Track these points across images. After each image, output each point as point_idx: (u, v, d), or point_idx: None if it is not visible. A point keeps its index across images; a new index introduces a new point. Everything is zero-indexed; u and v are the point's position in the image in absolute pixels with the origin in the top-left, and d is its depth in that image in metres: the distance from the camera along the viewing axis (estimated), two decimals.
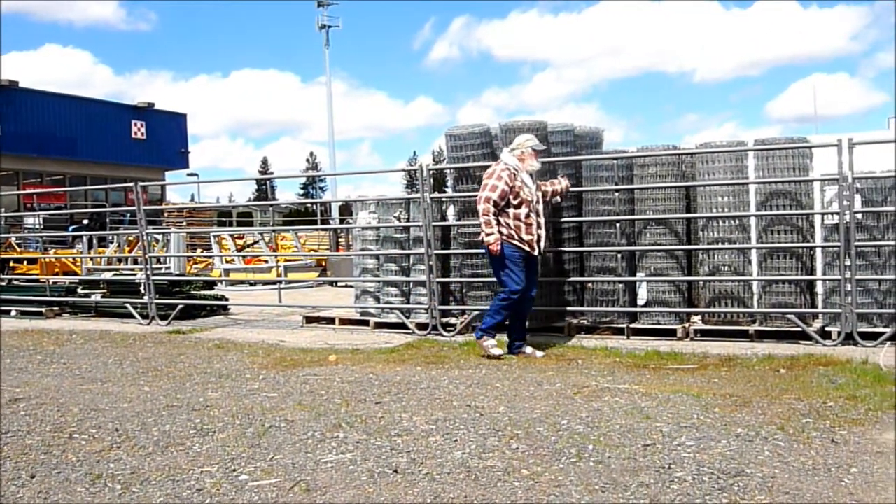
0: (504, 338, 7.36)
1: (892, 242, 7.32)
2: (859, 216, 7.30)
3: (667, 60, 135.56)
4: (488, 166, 8.55)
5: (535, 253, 7.17)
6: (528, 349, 7.26)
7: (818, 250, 7.76)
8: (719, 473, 3.72)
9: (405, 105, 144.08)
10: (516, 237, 7.04)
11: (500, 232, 7.00)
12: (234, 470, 4.04)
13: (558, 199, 8.03)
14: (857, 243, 7.18)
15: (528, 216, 7.09)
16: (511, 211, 7.06)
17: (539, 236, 7.19)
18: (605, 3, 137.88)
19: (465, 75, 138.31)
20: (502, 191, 7.00)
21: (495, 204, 6.99)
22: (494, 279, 7.45)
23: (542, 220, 7.27)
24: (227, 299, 12.10)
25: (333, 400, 5.56)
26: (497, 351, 7.12)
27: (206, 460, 4.22)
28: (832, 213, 7.41)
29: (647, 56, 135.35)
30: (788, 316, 7.51)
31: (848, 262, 7.18)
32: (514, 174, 7.06)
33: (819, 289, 7.82)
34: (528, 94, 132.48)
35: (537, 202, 7.24)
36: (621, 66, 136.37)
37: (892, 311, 7.28)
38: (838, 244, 7.24)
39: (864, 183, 7.37)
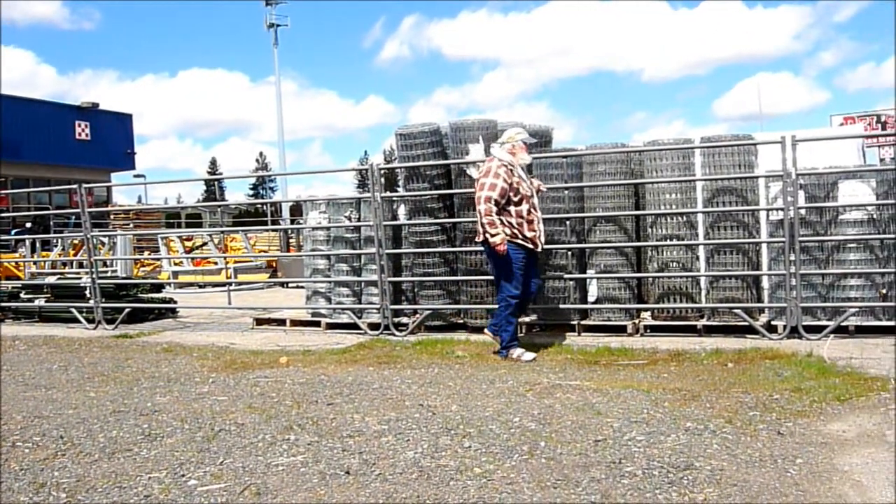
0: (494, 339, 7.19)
1: (835, 237, 7.48)
2: (803, 212, 7.45)
3: (615, 60, 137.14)
4: (438, 165, 8.58)
5: (538, 249, 7.04)
6: (517, 352, 7.02)
7: (764, 246, 7.89)
8: (669, 467, 3.76)
9: (356, 104, 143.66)
10: (520, 235, 6.86)
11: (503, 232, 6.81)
12: (183, 475, 3.97)
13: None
14: (800, 239, 7.32)
15: (529, 212, 6.92)
16: (512, 209, 6.86)
17: (540, 231, 7.03)
18: (555, 3, 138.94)
19: (416, 74, 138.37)
20: (502, 189, 6.78)
21: (496, 203, 6.77)
22: (493, 278, 7.30)
23: (539, 214, 7.08)
24: (175, 302, 11.93)
25: (284, 402, 5.50)
26: (530, 355, 6.85)
27: (154, 466, 4.14)
28: (777, 209, 7.54)
29: (596, 55, 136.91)
30: (735, 311, 7.63)
31: (792, 258, 7.31)
32: (511, 170, 6.88)
33: (765, 283, 7.95)
34: (479, 93, 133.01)
35: (533, 196, 7.06)
36: (571, 66, 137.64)
37: (835, 304, 7.43)
38: (783, 240, 7.37)
39: (808, 179, 7.51)
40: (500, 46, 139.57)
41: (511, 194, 6.85)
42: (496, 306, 7.25)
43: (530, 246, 6.93)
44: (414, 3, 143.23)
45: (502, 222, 6.81)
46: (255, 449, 4.38)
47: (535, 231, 6.94)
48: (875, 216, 7.47)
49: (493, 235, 6.76)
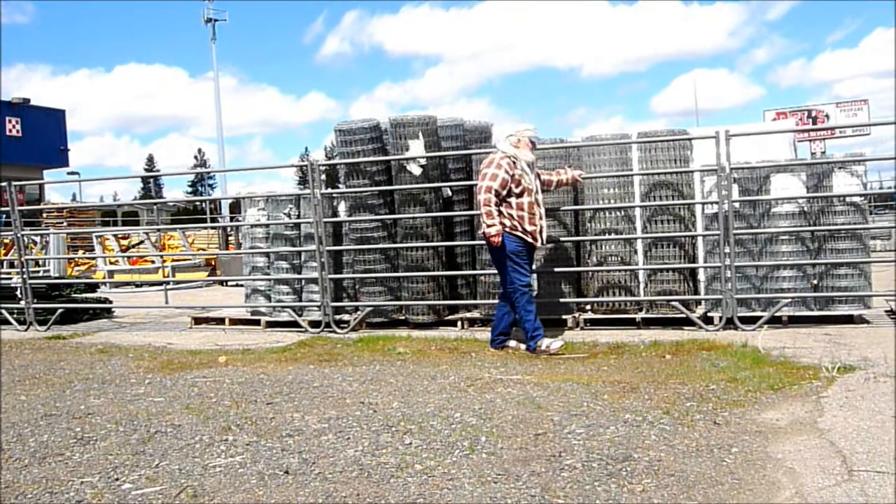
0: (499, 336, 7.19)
1: (768, 230, 7.64)
2: (737, 205, 7.59)
3: (556, 56, 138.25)
4: (379, 161, 8.54)
5: (538, 244, 7.00)
6: (513, 343, 7.10)
7: (699, 239, 8.02)
8: (608, 459, 3.79)
9: (297, 100, 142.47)
10: (519, 228, 6.80)
11: (501, 223, 6.74)
12: (117, 479, 3.87)
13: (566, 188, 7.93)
14: (735, 231, 7.46)
15: (530, 206, 6.86)
16: (513, 201, 6.80)
17: (541, 227, 6.96)
18: (496, 0, 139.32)
19: (358, 70, 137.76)
20: (503, 179, 6.72)
21: (496, 193, 6.70)
22: (495, 271, 7.25)
23: (542, 211, 7.03)
24: (111, 302, 11.68)
25: (223, 402, 5.42)
26: (558, 343, 6.78)
27: (87, 470, 4.04)
28: (711, 203, 7.67)
29: (538, 51, 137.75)
30: (673, 303, 7.75)
31: (727, 250, 7.45)
32: (514, 162, 6.80)
33: (701, 276, 8.09)
34: (421, 89, 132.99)
35: (537, 192, 6.99)
36: (512, 62, 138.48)
37: (768, 295, 7.59)
38: (718, 233, 7.51)
39: (741, 173, 7.66)
40: (442, 42, 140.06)
41: (512, 186, 6.78)
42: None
43: (529, 240, 6.86)
44: None
45: (501, 213, 6.77)
46: (191, 450, 4.30)
47: (535, 226, 6.87)
48: (806, 209, 7.65)
49: (488, 226, 6.72)
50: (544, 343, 6.76)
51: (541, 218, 6.96)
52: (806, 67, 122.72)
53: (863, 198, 7.79)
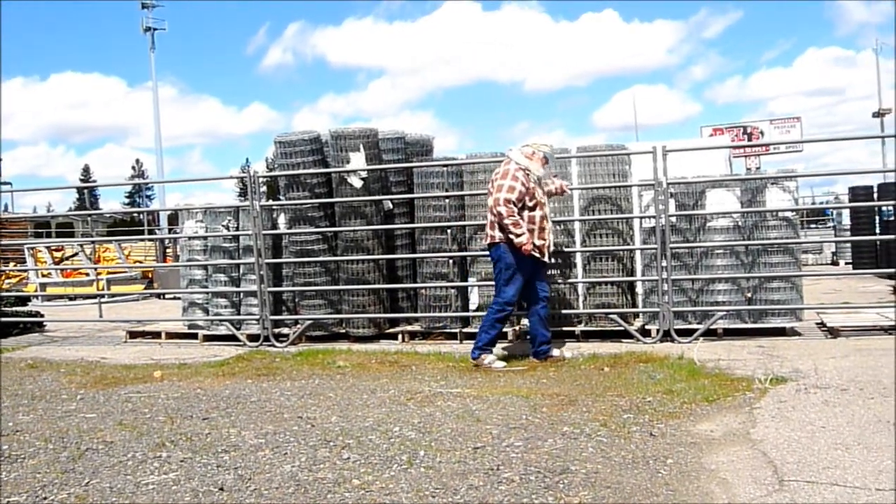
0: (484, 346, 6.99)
1: (703, 244, 7.78)
2: (673, 219, 7.72)
3: (499, 70, 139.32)
4: (319, 173, 8.48)
5: (545, 259, 6.90)
6: (556, 352, 7.00)
7: (637, 252, 8.13)
8: (546, 472, 3.80)
9: (239, 111, 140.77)
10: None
11: (509, 237, 6.61)
12: (45, 498, 3.76)
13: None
14: (671, 245, 7.58)
15: (541, 220, 6.78)
16: (526, 214, 6.68)
17: (549, 242, 6.89)
18: (440, 13, 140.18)
19: (301, 81, 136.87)
20: (520, 192, 6.60)
21: (514, 205, 6.60)
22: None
23: (551, 225, 6.98)
24: (42, 315, 11.35)
25: (157, 418, 5.31)
26: (500, 364, 6.72)
27: (14, 489, 3.91)
28: (649, 217, 7.79)
29: (481, 65, 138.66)
30: (611, 316, 7.83)
31: (664, 264, 7.56)
32: (528, 174, 6.72)
33: (639, 289, 8.20)
34: (365, 101, 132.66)
35: (546, 205, 6.91)
36: (455, 75, 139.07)
37: (704, 308, 7.73)
38: (655, 246, 7.62)
39: (678, 188, 7.79)
40: (386, 55, 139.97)
41: (527, 199, 6.69)
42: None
43: (537, 254, 6.76)
44: (298, 9, 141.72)
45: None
46: (123, 468, 4.20)
47: (544, 240, 6.80)
48: (740, 223, 7.82)
49: (517, 236, 6.57)
50: (488, 359, 6.74)
51: (550, 231, 6.93)
52: (742, 85, 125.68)
53: (795, 213, 7.99)
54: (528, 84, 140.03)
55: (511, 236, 6.61)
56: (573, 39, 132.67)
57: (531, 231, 6.69)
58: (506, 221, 6.58)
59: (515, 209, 6.60)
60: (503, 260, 6.74)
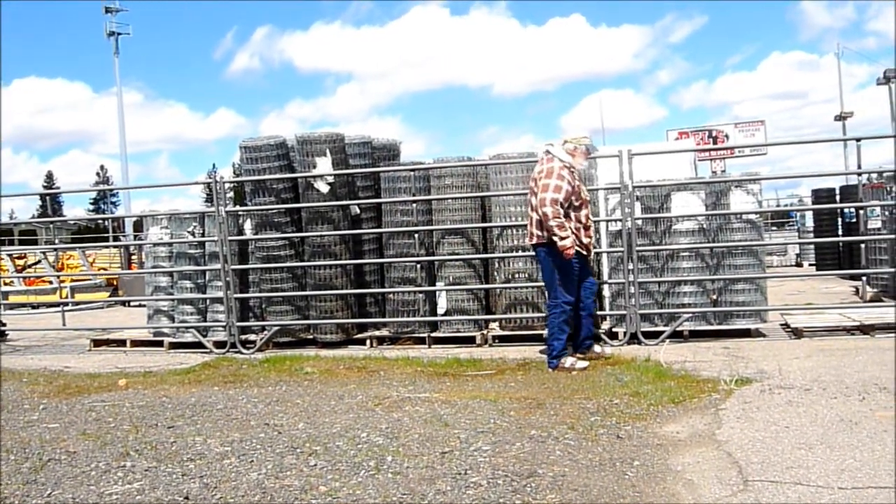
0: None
1: (669, 247, 7.84)
2: (639, 222, 7.77)
3: (467, 74, 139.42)
4: (285, 179, 8.42)
5: (591, 256, 6.86)
6: (598, 347, 7.00)
7: (604, 255, 8.17)
8: (513, 475, 3.80)
9: (206, 117, 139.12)
10: (578, 241, 6.60)
11: (549, 239, 6.51)
12: None
13: None
14: (637, 248, 7.63)
15: (587, 217, 6.72)
16: (572, 213, 6.58)
17: (593, 238, 6.87)
18: (408, 17, 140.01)
19: (269, 86, 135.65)
20: (567, 192, 6.46)
21: (561, 205, 6.47)
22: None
23: (593, 222, 6.97)
24: (4, 324, 11.15)
25: (122, 427, 5.24)
26: (583, 364, 6.58)
27: None
28: (615, 220, 7.83)
29: (449, 70, 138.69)
30: None
31: (631, 266, 7.61)
32: (573, 172, 6.61)
33: (606, 292, 8.23)
34: (333, 106, 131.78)
35: (589, 201, 6.85)
36: (424, 80, 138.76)
37: (670, 310, 7.78)
38: (621, 249, 7.66)
39: (643, 191, 7.85)
40: (354, 59, 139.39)
41: (573, 198, 6.58)
42: (547, 315, 6.91)
43: (584, 252, 6.73)
44: (266, 14, 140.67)
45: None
46: (87, 478, 4.14)
47: (590, 238, 6.78)
48: (705, 226, 7.88)
49: (562, 238, 6.43)
50: (568, 361, 6.62)
51: (593, 229, 6.91)
52: (707, 89, 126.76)
53: (759, 215, 8.08)
54: (496, 88, 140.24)
55: (555, 238, 6.48)
56: (541, 44, 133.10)
57: (577, 230, 6.63)
58: (551, 223, 6.44)
59: (562, 211, 6.46)
60: (551, 260, 6.63)
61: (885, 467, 3.66)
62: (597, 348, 7.05)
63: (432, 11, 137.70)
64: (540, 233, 6.62)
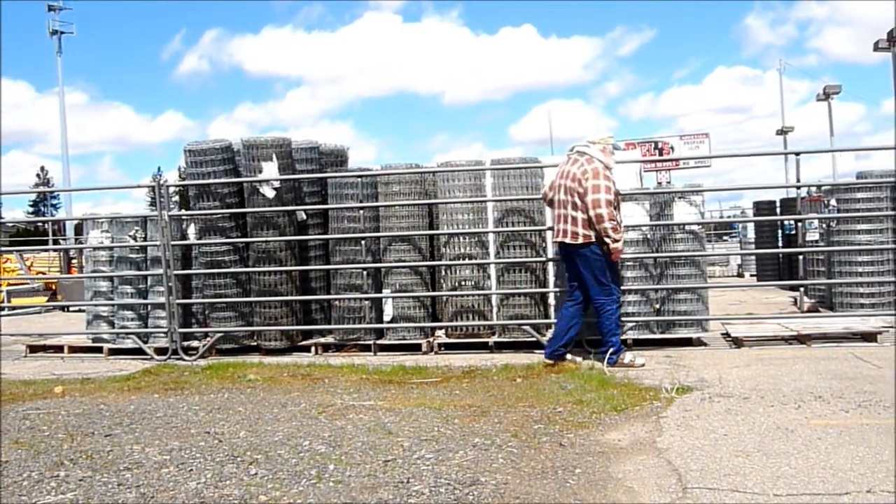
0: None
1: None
2: None
3: (418, 82, 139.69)
4: (230, 183, 8.32)
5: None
6: (569, 356, 7.05)
7: (550, 264, 8.22)
8: (456, 484, 3.79)
9: (152, 119, 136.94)
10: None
11: (598, 237, 6.62)
12: None
13: None
14: None
15: (619, 216, 6.81)
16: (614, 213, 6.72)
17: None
18: (360, 23, 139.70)
19: (217, 89, 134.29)
20: (614, 193, 6.65)
21: (612, 207, 6.58)
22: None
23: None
24: None
25: (57, 435, 5.11)
26: (641, 360, 6.84)
27: None
28: None
29: (400, 77, 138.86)
30: (525, 327, 7.90)
31: None
32: (610, 172, 6.70)
33: (552, 300, 8.29)
34: (283, 111, 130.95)
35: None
36: (375, 86, 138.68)
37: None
38: None
39: None
40: (304, 64, 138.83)
41: (614, 199, 6.72)
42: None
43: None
44: (215, 16, 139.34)
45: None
46: (18, 489, 4.02)
47: (622, 239, 6.87)
48: (649, 236, 7.99)
49: (614, 241, 6.60)
50: (628, 357, 6.84)
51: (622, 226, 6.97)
52: (654, 102, 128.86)
53: (701, 226, 8.22)
54: (447, 96, 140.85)
55: (607, 240, 6.61)
56: (492, 53, 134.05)
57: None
58: (606, 225, 6.55)
59: (614, 212, 6.64)
60: (601, 260, 6.71)
61: (819, 475, 3.74)
62: (569, 357, 7.09)
63: (384, 18, 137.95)
64: (588, 232, 6.67)
